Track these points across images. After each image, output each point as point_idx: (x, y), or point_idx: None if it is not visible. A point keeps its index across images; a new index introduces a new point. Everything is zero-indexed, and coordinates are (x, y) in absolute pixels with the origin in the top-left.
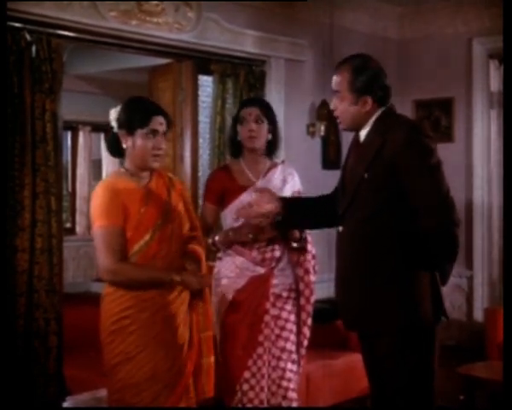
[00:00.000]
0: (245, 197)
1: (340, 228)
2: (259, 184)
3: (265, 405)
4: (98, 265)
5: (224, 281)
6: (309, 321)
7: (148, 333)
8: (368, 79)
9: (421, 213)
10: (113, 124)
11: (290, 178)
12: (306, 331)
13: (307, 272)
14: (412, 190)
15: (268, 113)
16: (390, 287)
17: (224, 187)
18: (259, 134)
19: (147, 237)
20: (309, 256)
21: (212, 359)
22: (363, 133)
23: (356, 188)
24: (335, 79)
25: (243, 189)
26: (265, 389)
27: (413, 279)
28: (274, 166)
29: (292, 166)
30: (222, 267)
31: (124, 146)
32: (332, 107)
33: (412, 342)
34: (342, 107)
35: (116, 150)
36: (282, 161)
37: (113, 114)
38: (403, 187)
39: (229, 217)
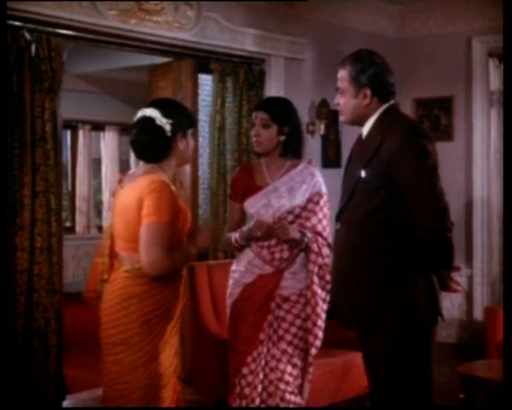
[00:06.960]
0: (255, 199)
1: (338, 225)
2: (274, 184)
3: (257, 403)
4: (145, 258)
5: (236, 274)
6: (315, 330)
7: (171, 330)
8: (368, 72)
9: (415, 215)
10: (167, 127)
11: (309, 179)
12: (313, 340)
13: (312, 282)
14: (406, 192)
15: (278, 116)
16: (386, 288)
17: (245, 185)
18: (264, 139)
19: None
20: (314, 267)
21: None
22: (365, 130)
23: (353, 186)
24: (339, 73)
25: (259, 188)
26: (259, 388)
27: (409, 280)
28: (294, 166)
29: (316, 167)
30: (238, 260)
31: (181, 147)
32: (335, 101)
33: (409, 342)
34: (344, 100)
35: (165, 154)
36: (309, 161)
37: (163, 119)
38: (399, 188)
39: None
